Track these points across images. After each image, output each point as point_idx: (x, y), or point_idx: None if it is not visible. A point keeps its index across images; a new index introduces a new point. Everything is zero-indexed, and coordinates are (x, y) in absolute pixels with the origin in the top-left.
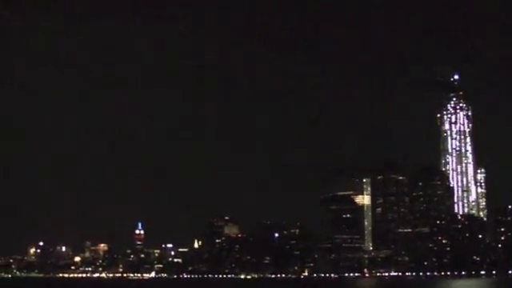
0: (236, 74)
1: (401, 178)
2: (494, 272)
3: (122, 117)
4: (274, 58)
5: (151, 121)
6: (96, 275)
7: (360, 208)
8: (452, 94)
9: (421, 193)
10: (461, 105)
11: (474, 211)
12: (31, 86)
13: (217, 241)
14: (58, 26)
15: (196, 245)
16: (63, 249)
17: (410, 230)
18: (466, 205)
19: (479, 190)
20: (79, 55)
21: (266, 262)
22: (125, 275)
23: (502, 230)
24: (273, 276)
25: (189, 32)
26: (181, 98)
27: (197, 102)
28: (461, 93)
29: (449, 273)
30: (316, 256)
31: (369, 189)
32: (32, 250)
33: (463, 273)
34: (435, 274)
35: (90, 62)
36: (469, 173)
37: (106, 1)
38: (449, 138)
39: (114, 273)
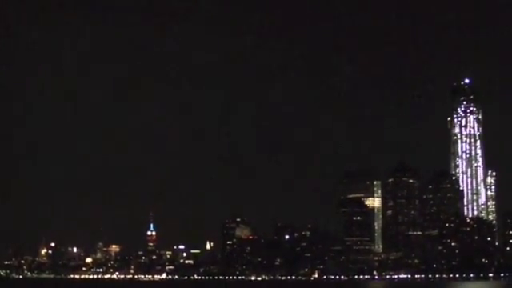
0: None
1: (411, 180)
2: (502, 275)
3: (134, 116)
4: (302, 57)
5: (164, 120)
6: (107, 276)
7: (370, 210)
8: (462, 98)
9: (431, 196)
10: (471, 108)
11: (483, 214)
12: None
13: (228, 242)
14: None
15: (208, 246)
16: (75, 250)
17: (419, 233)
18: (475, 208)
19: (489, 193)
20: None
21: (277, 263)
22: (136, 276)
23: (511, 233)
24: (283, 278)
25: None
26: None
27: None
28: (471, 96)
29: (457, 275)
30: (326, 258)
31: (379, 191)
32: (43, 251)
33: (472, 275)
34: (444, 276)
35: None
36: (479, 176)
37: None
38: (459, 142)
39: (125, 274)
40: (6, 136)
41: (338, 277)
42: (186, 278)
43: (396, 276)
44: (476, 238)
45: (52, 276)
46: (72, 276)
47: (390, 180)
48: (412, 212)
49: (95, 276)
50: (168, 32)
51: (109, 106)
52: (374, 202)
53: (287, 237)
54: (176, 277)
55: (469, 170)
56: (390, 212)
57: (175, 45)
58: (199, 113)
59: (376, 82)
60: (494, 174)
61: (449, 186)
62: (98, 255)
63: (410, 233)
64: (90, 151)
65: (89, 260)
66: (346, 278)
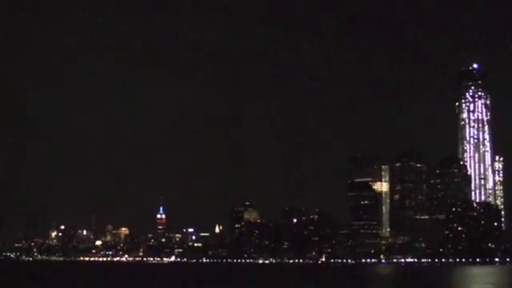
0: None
1: (419, 165)
2: (508, 259)
3: (147, 103)
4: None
5: (176, 106)
6: (116, 259)
7: (378, 195)
8: (471, 83)
9: (438, 180)
10: (479, 93)
11: (490, 199)
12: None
13: (236, 226)
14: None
15: (217, 229)
16: (84, 232)
17: (427, 217)
18: (483, 193)
19: (496, 178)
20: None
21: (285, 247)
22: (145, 259)
23: None
24: (291, 261)
25: None
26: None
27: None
28: (480, 81)
29: (464, 259)
30: (334, 242)
31: (387, 176)
32: (53, 234)
33: (478, 260)
34: (450, 260)
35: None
36: (486, 161)
37: None
38: (467, 127)
39: (134, 257)
40: (18, 119)
41: (345, 260)
42: (194, 260)
43: (403, 260)
44: (483, 222)
45: (62, 258)
46: (82, 258)
47: (397, 164)
48: (419, 196)
49: (105, 258)
50: None
51: (120, 93)
52: (382, 187)
53: (295, 220)
54: (184, 260)
55: (476, 155)
56: (397, 196)
57: None
58: (211, 100)
59: (386, 67)
60: (501, 159)
61: (456, 170)
62: (108, 238)
63: (418, 217)
64: (103, 135)
65: (98, 243)
66: (353, 262)
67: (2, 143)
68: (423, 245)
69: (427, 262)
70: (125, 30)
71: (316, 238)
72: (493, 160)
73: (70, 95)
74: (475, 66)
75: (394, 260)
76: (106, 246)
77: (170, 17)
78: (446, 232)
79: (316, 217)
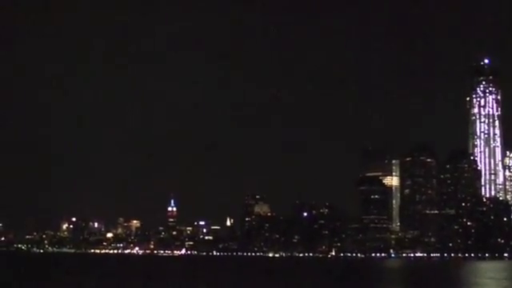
0: None
1: (429, 160)
2: None
3: (159, 91)
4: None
5: (189, 97)
6: (127, 251)
7: (388, 189)
8: (482, 78)
9: (448, 175)
10: (490, 88)
11: (500, 194)
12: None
13: (247, 219)
14: None
15: (228, 223)
16: (95, 224)
17: (436, 212)
18: (493, 188)
19: (507, 173)
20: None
21: (295, 240)
22: (155, 252)
23: None
24: (301, 255)
25: None
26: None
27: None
28: (491, 76)
29: (473, 254)
30: (344, 236)
31: (397, 170)
32: (64, 226)
33: (487, 255)
34: (459, 255)
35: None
36: (497, 156)
37: None
38: (478, 122)
39: (145, 249)
40: (30, 110)
41: (354, 254)
42: (205, 253)
43: (412, 254)
44: (492, 217)
45: (73, 250)
46: (92, 251)
47: (407, 159)
48: (429, 191)
49: (115, 251)
50: None
51: (134, 82)
52: (392, 181)
53: (305, 214)
54: (195, 252)
55: (487, 150)
56: (407, 191)
57: None
58: (224, 90)
59: (397, 61)
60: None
61: (466, 165)
62: (119, 230)
63: (427, 212)
64: (115, 126)
65: (109, 235)
66: (362, 256)
67: (15, 133)
68: (433, 239)
69: (436, 257)
70: None
71: (326, 232)
72: (503, 155)
73: (84, 83)
74: (486, 61)
75: (404, 254)
76: (117, 239)
77: None
78: (456, 227)
79: (326, 211)
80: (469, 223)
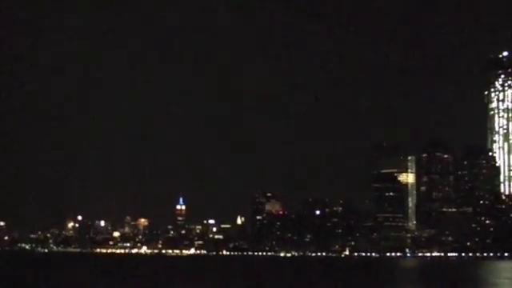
0: None
1: (446, 156)
2: None
3: (161, 91)
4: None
5: (192, 95)
6: (135, 251)
7: (404, 186)
8: (500, 71)
9: (466, 172)
10: (509, 82)
11: None
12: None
13: (258, 217)
14: None
15: (239, 221)
16: (102, 223)
17: (454, 210)
18: None
19: None
20: None
21: (307, 239)
22: (163, 251)
23: None
24: (313, 254)
25: None
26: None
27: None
28: (510, 70)
29: (491, 254)
30: (358, 235)
31: (413, 167)
32: (70, 225)
33: (506, 254)
34: (477, 254)
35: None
36: None
37: None
38: (496, 116)
39: (153, 249)
40: (33, 106)
41: (369, 254)
42: (214, 253)
43: (429, 254)
44: (511, 215)
45: (78, 250)
46: (99, 250)
47: (424, 155)
48: (446, 188)
49: (122, 250)
50: None
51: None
52: (408, 178)
53: (318, 212)
54: (204, 252)
55: (506, 145)
56: (423, 188)
57: None
58: (232, 87)
59: (414, 55)
60: None
61: (484, 162)
62: (126, 229)
63: (444, 210)
64: (121, 125)
65: (116, 234)
66: (377, 256)
67: (20, 129)
68: (450, 238)
69: (453, 257)
70: None
71: (339, 231)
72: None
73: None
74: (505, 53)
75: (420, 254)
76: (124, 238)
77: None
78: (474, 225)
79: (340, 209)
80: (487, 221)
